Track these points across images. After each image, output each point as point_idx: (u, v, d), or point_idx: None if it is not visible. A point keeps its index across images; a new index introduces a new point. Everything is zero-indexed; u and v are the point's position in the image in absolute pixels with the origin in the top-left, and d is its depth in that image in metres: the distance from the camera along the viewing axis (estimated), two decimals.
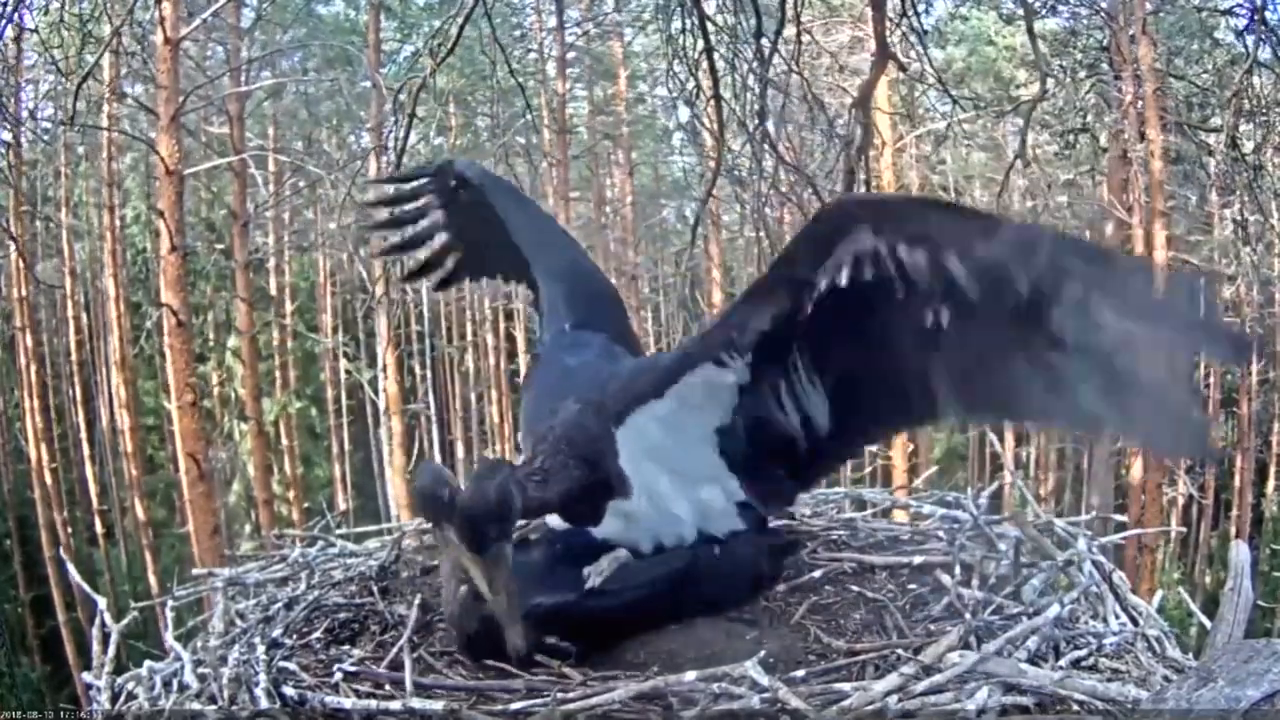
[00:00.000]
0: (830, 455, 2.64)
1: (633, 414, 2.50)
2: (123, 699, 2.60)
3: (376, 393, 17.30)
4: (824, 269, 2.24)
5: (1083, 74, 12.95)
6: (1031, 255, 2.03)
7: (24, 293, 15.64)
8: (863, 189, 5.33)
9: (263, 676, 2.34)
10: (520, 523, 2.62)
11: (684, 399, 2.49)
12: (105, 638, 2.80)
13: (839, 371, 2.45)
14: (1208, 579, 16.63)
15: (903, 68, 6.13)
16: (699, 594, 2.51)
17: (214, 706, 2.34)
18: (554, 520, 2.72)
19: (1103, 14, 12.03)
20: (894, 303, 2.20)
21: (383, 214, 3.74)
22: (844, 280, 2.21)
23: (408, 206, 3.64)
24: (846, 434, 2.57)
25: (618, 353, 2.88)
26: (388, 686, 2.32)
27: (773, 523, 2.88)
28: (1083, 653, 2.31)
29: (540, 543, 2.76)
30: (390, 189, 3.84)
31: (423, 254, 3.67)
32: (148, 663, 2.65)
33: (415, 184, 3.64)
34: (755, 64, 5.05)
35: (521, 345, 19.98)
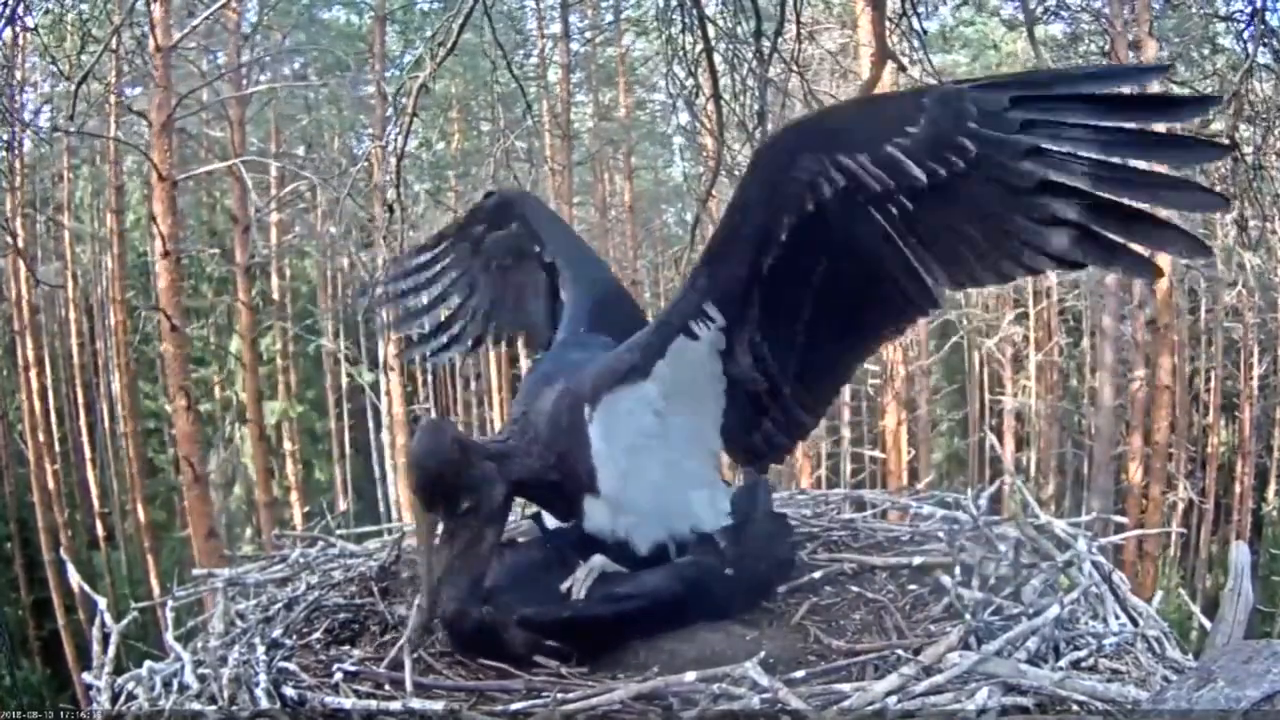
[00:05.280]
0: (814, 393, 2.59)
1: (612, 394, 2.47)
2: (123, 699, 2.60)
3: (378, 396, 17.29)
4: (782, 208, 2.26)
5: None
6: (960, 117, 2.09)
7: (25, 295, 15.60)
8: None
9: (263, 677, 2.35)
10: (511, 521, 2.61)
11: (670, 376, 2.46)
12: (105, 638, 2.80)
13: (813, 298, 2.40)
14: (1207, 583, 16.59)
15: (903, 68, 6.11)
16: (700, 607, 2.47)
17: (214, 707, 2.34)
18: (548, 519, 2.71)
19: (1103, 19, 12.03)
20: (855, 209, 2.21)
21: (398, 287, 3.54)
22: (810, 208, 2.23)
23: (424, 275, 3.48)
24: (830, 366, 2.56)
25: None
26: (388, 687, 2.32)
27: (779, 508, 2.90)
28: (1083, 653, 2.31)
29: (531, 544, 2.76)
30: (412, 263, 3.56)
31: (432, 321, 3.50)
32: (148, 663, 2.64)
33: (435, 250, 3.47)
34: (755, 64, 5.04)
35: (522, 349, 19.86)
